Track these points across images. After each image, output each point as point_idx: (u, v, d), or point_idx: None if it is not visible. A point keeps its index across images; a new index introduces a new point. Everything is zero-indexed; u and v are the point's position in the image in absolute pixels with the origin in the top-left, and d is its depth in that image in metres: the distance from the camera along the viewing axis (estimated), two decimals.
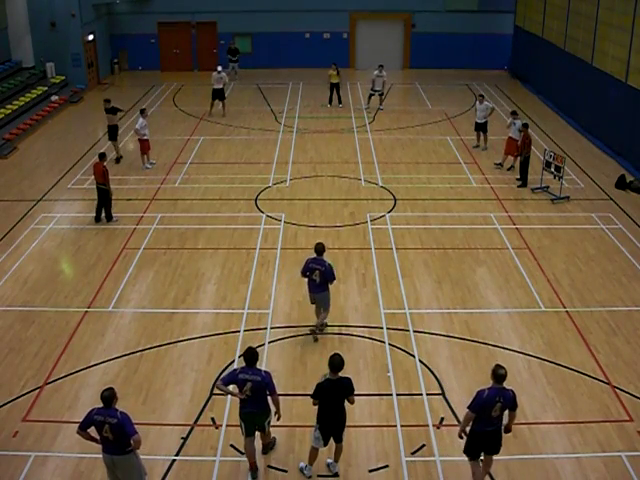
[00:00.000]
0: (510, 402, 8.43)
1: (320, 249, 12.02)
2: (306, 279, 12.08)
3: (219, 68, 26.01)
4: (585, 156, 21.76)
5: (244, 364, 8.88)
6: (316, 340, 12.05)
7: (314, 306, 12.27)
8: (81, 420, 8.24)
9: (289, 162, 21.08)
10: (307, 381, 10.84)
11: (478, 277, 14.35)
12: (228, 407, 10.32)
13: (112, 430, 8.01)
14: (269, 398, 8.90)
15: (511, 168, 20.14)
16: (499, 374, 8.41)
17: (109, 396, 8.12)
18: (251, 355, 8.81)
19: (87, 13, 30.55)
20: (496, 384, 8.42)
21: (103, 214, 16.91)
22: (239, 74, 31.69)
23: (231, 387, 8.90)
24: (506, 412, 8.57)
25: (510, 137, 20.06)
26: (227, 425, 10.05)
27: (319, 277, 11.80)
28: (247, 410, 8.85)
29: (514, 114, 20.29)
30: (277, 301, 13.37)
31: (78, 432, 8.27)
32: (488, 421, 8.43)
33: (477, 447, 8.69)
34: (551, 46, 27.92)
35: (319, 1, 32.87)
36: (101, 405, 8.14)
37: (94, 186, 18.91)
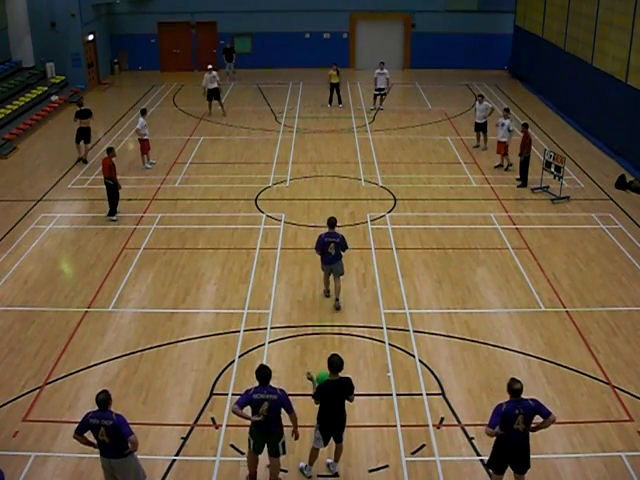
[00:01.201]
0: (532, 411, 8.20)
1: (333, 222, 12.90)
2: (319, 255, 12.97)
3: (209, 66, 26.03)
4: (585, 156, 21.76)
5: (257, 383, 8.54)
6: (338, 309, 12.97)
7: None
8: (77, 425, 8.19)
9: (289, 162, 21.08)
10: (307, 381, 10.78)
11: (478, 277, 14.36)
12: (228, 407, 10.31)
13: (108, 432, 7.97)
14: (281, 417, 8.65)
15: (509, 167, 20.10)
16: (515, 388, 8.20)
17: (104, 399, 8.05)
18: (264, 374, 8.50)
19: (87, 13, 30.55)
20: (513, 397, 8.24)
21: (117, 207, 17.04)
22: (237, 74, 31.62)
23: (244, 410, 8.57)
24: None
25: (498, 141, 20.04)
26: (227, 425, 10.04)
27: (334, 249, 12.71)
28: (261, 429, 8.59)
29: (506, 111, 20.25)
30: (277, 301, 13.37)
31: (75, 437, 8.22)
32: (512, 435, 8.24)
33: (502, 460, 8.47)
34: (551, 46, 27.91)
35: (319, 1, 32.85)
36: (96, 408, 8.08)
37: (94, 186, 19.05)
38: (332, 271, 12.98)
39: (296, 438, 8.83)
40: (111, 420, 7.96)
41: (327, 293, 13.38)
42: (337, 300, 13.03)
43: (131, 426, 8.17)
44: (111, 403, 8.16)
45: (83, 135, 21.04)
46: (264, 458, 8.95)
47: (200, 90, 26.35)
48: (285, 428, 8.80)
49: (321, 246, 12.77)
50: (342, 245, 12.81)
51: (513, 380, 8.34)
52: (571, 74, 25.64)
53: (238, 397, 8.68)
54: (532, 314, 12.98)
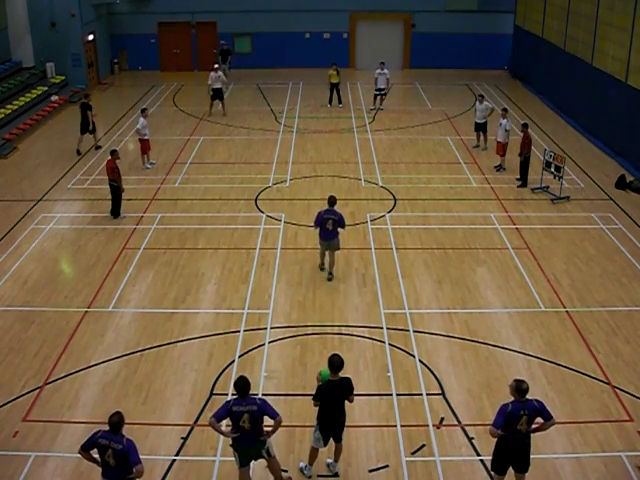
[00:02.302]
0: (535, 412, 8.20)
1: (333, 201, 13.82)
2: (318, 230, 13.82)
3: (216, 66, 26.12)
4: (585, 156, 21.76)
5: (236, 395, 8.36)
6: (331, 280, 13.90)
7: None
8: (85, 441, 7.95)
9: (289, 162, 21.08)
10: (307, 381, 10.84)
11: (478, 277, 14.36)
12: None
13: (115, 456, 7.73)
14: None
15: (500, 169, 20.09)
16: (523, 389, 8.19)
17: (117, 422, 7.79)
18: (242, 386, 8.28)
19: (87, 13, 30.55)
20: (519, 398, 8.23)
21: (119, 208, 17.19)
22: (230, 76, 31.26)
23: (224, 423, 8.47)
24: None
25: (497, 141, 20.05)
26: (227, 425, 10.02)
27: (332, 225, 13.57)
28: (244, 443, 8.42)
29: (504, 111, 20.24)
30: (277, 301, 13.37)
31: (80, 452, 7.98)
32: (514, 435, 8.24)
33: (504, 460, 8.46)
34: (551, 46, 27.92)
35: (319, 1, 32.86)
36: (107, 428, 7.81)
37: (94, 186, 19.08)
38: (329, 247, 13.81)
39: (267, 437, 8.55)
40: (121, 445, 7.72)
41: (322, 266, 14.20)
42: (330, 274, 14.00)
43: (131, 429, 8.11)
44: (124, 426, 7.90)
45: (86, 126, 21.84)
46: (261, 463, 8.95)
47: (203, 89, 26.32)
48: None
49: (319, 222, 13.59)
50: (340, 223, 13.63)
51: (520, 381, 8.33)
52: (571, 74, 25.64)
53: (217, 410, 8.46)
54: (532, 314, 12.98)
